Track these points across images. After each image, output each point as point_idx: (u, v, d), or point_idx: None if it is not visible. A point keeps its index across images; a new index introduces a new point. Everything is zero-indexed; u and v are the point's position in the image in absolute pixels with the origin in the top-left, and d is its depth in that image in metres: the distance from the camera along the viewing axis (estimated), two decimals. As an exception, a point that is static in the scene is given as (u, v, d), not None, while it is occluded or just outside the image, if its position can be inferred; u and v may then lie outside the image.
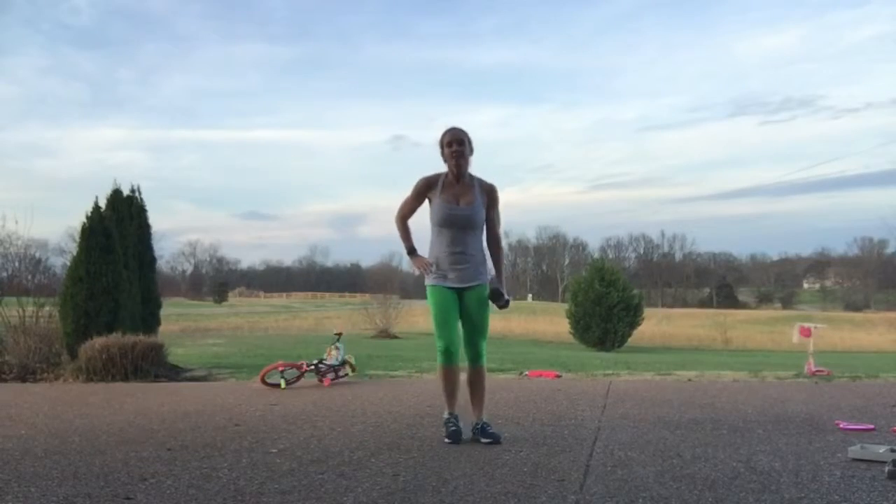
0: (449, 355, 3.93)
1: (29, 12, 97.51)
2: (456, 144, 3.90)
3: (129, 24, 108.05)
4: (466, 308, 3.97)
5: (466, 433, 3.93)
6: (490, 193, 4.01)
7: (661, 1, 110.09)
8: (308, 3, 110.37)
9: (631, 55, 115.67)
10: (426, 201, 4.02)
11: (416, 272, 4.05)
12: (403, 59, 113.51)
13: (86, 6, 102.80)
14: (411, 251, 4.02)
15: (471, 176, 3.99)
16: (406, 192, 4.03)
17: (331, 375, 6.81)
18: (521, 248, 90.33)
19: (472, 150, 3.98)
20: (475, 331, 3.98)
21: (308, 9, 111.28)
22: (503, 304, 3.91)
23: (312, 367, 6.81)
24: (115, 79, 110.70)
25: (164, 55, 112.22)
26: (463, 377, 4.03)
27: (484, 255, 4.04)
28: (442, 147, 3.96)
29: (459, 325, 3.99)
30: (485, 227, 4.02)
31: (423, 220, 4.06)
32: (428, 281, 3.97)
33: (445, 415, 4.00)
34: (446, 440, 3.89)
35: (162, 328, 9.60)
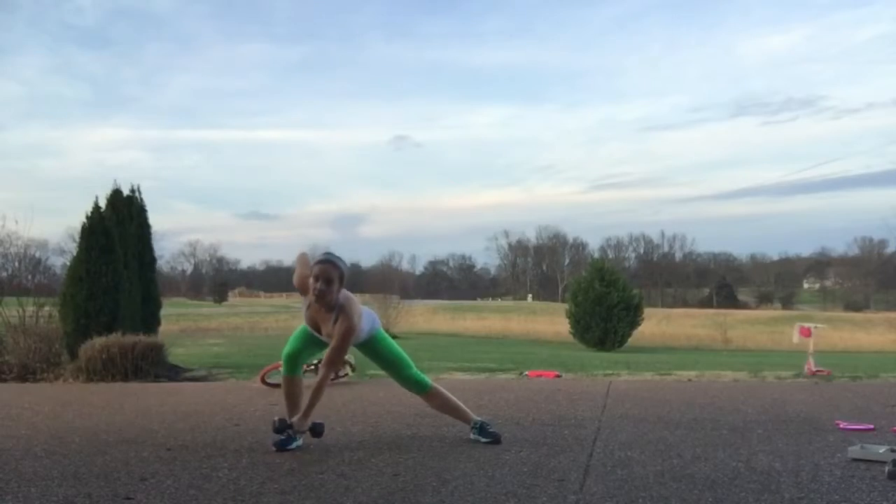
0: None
1: (33, 12, 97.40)
2: (322, 283, 3.62)
3: (132, 25, 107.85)
4: (373, 354, 3.98)
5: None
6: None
7: (665, 1, 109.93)
8: (311, 3, 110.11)
9: (634, 55, 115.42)
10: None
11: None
12: (406, 59, 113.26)
13: (90, 6, 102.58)
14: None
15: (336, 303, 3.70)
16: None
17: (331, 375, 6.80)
18: (521, 247, 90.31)
19: (342, 284, 3.69)
20: (396, 365, 3.98)
21: (311, 9, 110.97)
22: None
23: (312, 367, 6.79)
24: (118, 79, 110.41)
25: (167, 55, 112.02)
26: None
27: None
28: (309, 274, 3.70)
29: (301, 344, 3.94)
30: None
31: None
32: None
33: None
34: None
35: (162, 328, 9.59)
